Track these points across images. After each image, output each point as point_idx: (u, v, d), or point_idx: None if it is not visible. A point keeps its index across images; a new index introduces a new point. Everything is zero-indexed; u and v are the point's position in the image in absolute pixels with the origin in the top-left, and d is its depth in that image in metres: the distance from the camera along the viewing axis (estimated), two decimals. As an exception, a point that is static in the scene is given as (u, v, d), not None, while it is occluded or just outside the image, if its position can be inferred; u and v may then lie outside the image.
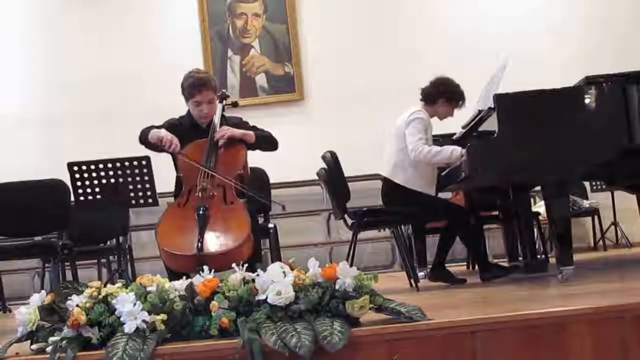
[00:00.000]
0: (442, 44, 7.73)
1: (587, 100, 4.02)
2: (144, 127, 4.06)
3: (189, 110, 4.15)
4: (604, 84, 4.02)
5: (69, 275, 4.85)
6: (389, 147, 4.71)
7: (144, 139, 4.02)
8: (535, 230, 5.72)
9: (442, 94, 4.71)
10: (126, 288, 2.67)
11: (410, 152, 4.50)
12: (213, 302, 2.61)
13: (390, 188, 4.63)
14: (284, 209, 3.99)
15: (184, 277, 2.81)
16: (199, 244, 3.51)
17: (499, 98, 4.03)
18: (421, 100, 4.76)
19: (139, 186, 3.92)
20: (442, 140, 5.07)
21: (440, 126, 5.36)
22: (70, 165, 3.92)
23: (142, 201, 3.97)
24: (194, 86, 4.03)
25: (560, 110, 3.98)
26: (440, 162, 4.58)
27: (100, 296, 2.63)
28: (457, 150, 4.46)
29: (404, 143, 4.58)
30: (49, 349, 2.51)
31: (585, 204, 7.54)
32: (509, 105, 4.02)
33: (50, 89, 7.93)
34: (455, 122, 5.19)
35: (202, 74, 4.16)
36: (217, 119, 4.07)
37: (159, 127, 4.05)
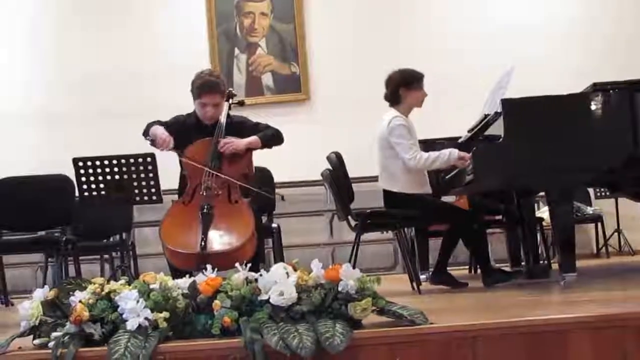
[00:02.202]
0: (442, 45, 7.70)
1: (593, 107, 4.01)
2: (150, 121, 4.07)
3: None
4: (611, 91, 4.01)
5: (71, 271, 4.86)
6: (378, 160, 4.68)
7: (145, 133, 4.04)
8: (538, 235, 5.71)
9: (399, 85, 4.63)
10: (129, 285, 2.68)
11: (409, 161, 4.46)
12: (216, 301, 2.61)
13: (391, 198, 4.61)
14: (282, 199, 4.01)
15: (187, 275, 2.82)
16: (203, 242, 3.53)
17: (505, 103, 4.03)
18: (390, 106, 4.69)
19: (144, 183, 3.91)
20: (447, 143, 5.06)
21: (446, 129, 5.36)
22: (75, 161, 3.92)
23: (146, 198, 3.96)
24: (202, 87, 4.03)
25: (567, 116, 3.98)
26: (440, 166, 4.56)
27: (104, 293, 2.64)
28: (454, 153, 4.44)
29: (390, 151, 4.55)
30: (51, 344, 2.52)
31: (589, 210, 7.51)
32: (516, 110, 4.01)
33: (52, 86, 7.90)
34: (461, 126, 5.19)
35: (213, 76, 4.13)
36: (223, 119, 4.08)
37: (165, 122, 4.06)
